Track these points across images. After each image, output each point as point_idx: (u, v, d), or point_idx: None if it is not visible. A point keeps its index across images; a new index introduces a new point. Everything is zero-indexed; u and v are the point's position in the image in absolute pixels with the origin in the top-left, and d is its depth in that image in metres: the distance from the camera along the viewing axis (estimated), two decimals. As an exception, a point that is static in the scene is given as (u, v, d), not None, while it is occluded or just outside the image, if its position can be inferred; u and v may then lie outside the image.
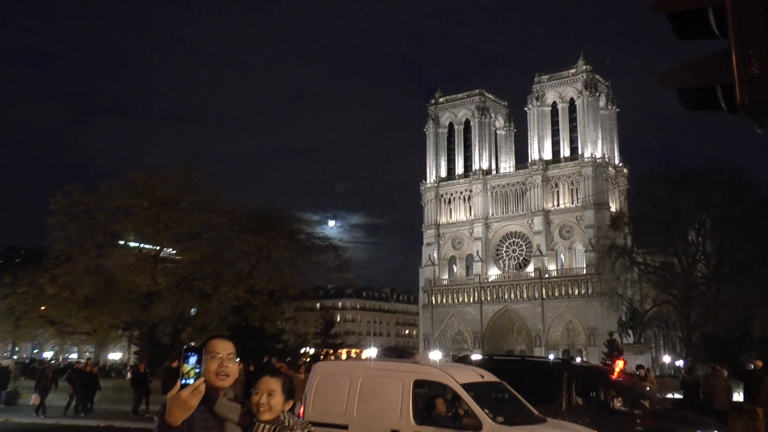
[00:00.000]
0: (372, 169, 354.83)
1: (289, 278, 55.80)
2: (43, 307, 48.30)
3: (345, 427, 14.40)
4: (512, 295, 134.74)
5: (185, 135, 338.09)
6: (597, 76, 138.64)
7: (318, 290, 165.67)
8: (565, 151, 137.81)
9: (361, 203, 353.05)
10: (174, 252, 54.38)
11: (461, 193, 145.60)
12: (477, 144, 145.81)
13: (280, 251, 53.62)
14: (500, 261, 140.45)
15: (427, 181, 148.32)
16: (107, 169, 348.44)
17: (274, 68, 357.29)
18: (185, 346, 4.69)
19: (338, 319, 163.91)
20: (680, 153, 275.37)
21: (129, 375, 47.17)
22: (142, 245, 51.55)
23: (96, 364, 46.10)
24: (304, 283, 62.66)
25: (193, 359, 4.54)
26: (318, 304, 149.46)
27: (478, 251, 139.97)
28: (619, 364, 25.04)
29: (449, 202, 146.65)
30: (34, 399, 35.95)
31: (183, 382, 4.45)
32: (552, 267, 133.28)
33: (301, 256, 56.70)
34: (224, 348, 5.01)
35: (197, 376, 4.49)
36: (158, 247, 51.60)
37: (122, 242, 51.73)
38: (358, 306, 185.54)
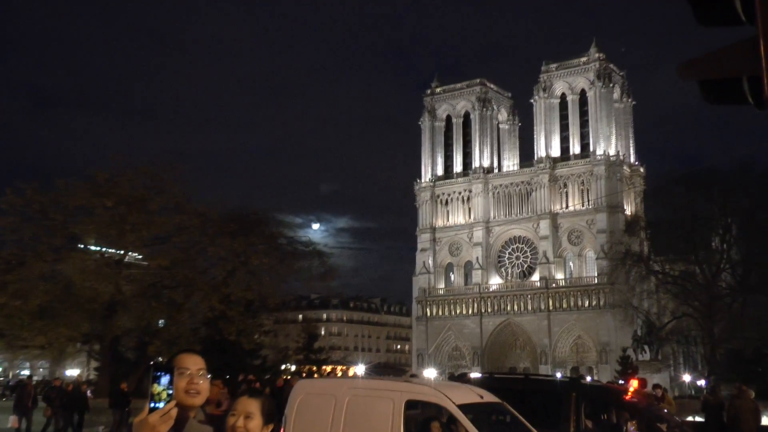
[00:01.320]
0: (360, 167, 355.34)
1: (268, 287, 55.81)
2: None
3: (329, 452, 14.35)
4: (515, 307, 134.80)
5: (154, 130, 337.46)
6: (611, 65, 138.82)
7: (300, 300, 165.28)
8: (575, 148, 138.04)
9: (348, 205, 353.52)
10: (140, 257, 54.27)
11: (459, 193, 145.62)
12: (477, 139, 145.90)
13: (258, 257, 53.58)
14: (502, 269, 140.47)
15: (422, 180, 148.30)
16: (67, 166, 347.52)
17: (252, 59, 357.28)
18: (153, 364, 4.64)
19: (322, 333, 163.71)
20: (702, 151, 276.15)
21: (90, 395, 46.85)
22: (104, 249, 51.41)
23: (87, 382, 44.99)
24: (285, 292, 62.78)
25: (165, 380, 4.43)
26: (300, 316, 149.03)
27: (477, 258, 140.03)
28: (634, 384, 25.06)
29: (446, 203, 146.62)
30: (12, 422, 33.70)
31: (152, 405, 4.30)
32: (560, 276, 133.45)
33: (281, 262, 56.72)
34: (194, 363, 4.98)
35: (169, 399, 4.35)
36: (123, 252, 51.49)
37: (82, 246, 51.54)
38: (344, 318, 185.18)
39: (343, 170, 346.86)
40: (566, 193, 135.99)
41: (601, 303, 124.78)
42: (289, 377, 54.93)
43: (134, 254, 53.39)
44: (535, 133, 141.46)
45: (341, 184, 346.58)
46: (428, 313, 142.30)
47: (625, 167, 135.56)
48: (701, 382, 79.24)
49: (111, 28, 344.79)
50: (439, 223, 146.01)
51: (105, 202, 47.95)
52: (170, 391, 4.39)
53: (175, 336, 50.82)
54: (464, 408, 14.28)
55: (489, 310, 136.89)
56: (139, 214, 49.02)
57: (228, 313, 51.34)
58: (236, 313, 51.69)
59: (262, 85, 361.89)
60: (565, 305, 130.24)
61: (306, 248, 59.04)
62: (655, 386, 35.38)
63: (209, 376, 5.07)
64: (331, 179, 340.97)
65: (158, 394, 4.34)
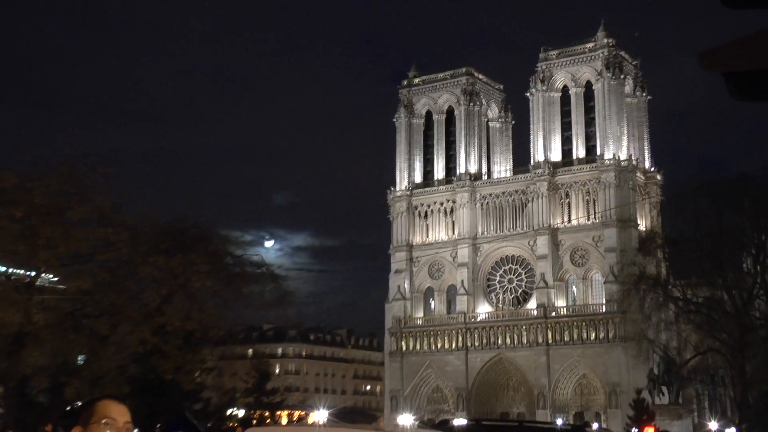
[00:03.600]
0: (322, 173, 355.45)
1: (211, 315, 55.17)
2: None
3: None
4: (508, 340, 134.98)
5: (73, 127, 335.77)
6: (622, 53, 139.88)
7: (251, 332, 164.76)
8: (578, 151, 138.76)
9: (307, 219, 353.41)
10: (56, 279, 53.52)
11: (441, 204, 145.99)
12: (463, 140, 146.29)
13: (200, 279, 53.00)
14: (492, 294, 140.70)
15: (397, 189, 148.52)
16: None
17: (193, 43, 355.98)
18: (69, 408, 4.18)
19: (277, 371, 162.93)
20: (730, 155, 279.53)
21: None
22: (11, 270, 50.55)
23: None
24: (232, 322, 62.21)
25: None
26: (250, 351, 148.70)
27: (463, 281, 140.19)
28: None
29: (425, 216, 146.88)
30: None
31: None
32: (561, 303, 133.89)
33: (228, 286, 56.19)
34: (120, 413, 4.99)
35: None
36: (34, 273, 50.59)
37: (-18, 266, 50.74)
38: (303, 353, 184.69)
39: (301, 177, 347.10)
40: (568, 204, 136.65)
41: (611, 335, 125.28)
42: (236, 425, 54.39)
43: (48, 276, 52.54)
44: (531, 132, 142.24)
45: (299, 193, 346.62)
46: (404, 348, 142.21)
47: (638, 174, 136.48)
48: (731, 431, 79.18)
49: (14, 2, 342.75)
50: (417, 239, 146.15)
51: (12, 212, 47.08)
52: None
53: (98, 375, 50.05)
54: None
55: (476, 344, 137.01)
56: (54, 226, 48.15)
57: (163, 347, 50.71)
58: (173, 346, 51.04)
59: (204, 76, 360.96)
60: (567, 338, 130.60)
61: (257, 269, 58.45)
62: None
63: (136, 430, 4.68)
64: (287, 188, 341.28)
65: None
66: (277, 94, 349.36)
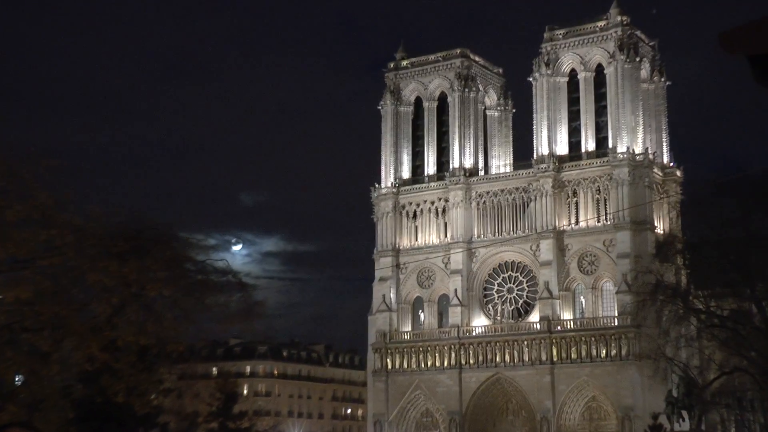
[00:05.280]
0: (296, 169, 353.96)
1: (170, 329, 54.76)
2: None
3: None
4: (507, 357, 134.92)
5: (15, 117, 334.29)
6: (637, 33, 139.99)
7: (215, 348, 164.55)
8: (588, 144, 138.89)
9: (278, 221, 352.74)
10: (-9, 288, 52.92)
11: (433, 203, 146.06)
12: (457, 130, 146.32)
13: (157, 288, 52.55)
14: (490, 306, 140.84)
15: (382, 186, 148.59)
16: None
17: (147, 29, 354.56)
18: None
19: (245, 392, 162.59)
20: (757, 149, 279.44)
21: None
22: (-63, 277, 50.04)
23: None
24: (193, 336, 61.61)
25: None
26: (215, 369, 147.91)
27: (456, 291, 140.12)
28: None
29: (414, 216, 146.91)
30: None
31: None
32: (567, 315, 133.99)
33: (189, 295, 55.73)
34: None
35: None
36: (-35, 280, 50.12)
37: None
38: (275, 372, 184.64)
39: (272, 175, 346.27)
40: (576, 203, 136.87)
41: (623, 353, 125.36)
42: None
43: (-18, 284, 51.99)
44: (534, 122, 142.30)
45: (269, 193, 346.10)
46: (389, 366, 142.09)
47: (655, 169, 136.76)
48: (760, 460, 79.20)
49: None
50: (405, 243, 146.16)
51: (-60, 211, 46.58)
52: None
53: (38, 398, 49.62)
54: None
55: (471, 362, 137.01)
56: (-12, 227, 47.71)
57: (113, 366, 50.26)
58: (125, 365, 50.55)
59: (163, 62, 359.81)
60: (574, 355, 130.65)
61: (223, 277, 57.88)
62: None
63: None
64: (257, 187, 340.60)
65: None
66: (244, 83, 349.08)
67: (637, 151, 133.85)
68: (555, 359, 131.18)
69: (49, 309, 50.05)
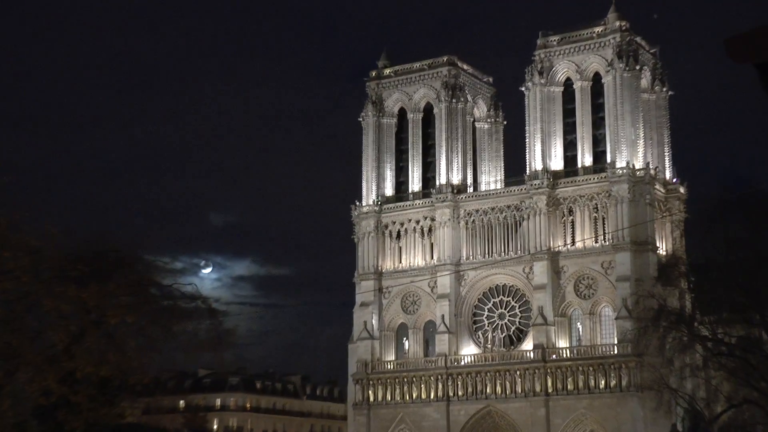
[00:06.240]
0: (269, 187, 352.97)
1: (133, 359, 54.68)
2: None
3: None
4: (499, 389, 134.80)
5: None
6: (637, 39, 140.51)
7: (183, 379, 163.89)
8: (584, 158, 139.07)
9: (250, 243, 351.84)
10: (-63, 315, 52.60)
11: (418, 222, 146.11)
12: (444, 143, 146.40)
13: (119, 314, 52.46)
14: (479, 333, 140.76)
15: (363, 204, 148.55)
16: None
17: (103, 33, 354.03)
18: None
19: (215, 427, 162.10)
20: (767, 165, 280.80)
21: None
22: None
23: None
24: (159, 366, 61.46)
25: None
26: (182, 402, 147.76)
27: (443, 317, 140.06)
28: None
29: (398, 236, 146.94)
30: None
31: None
32: (563, 343, 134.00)
33: (154, 323, 55.81)
34: None
35: None
36: None
37: None
38: (247, 405, 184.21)
39: (243, 193, 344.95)
40: (572, 222, 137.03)
41: (624, 383, 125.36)
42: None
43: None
44: (527, 135, 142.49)
45: (241, 213, 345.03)
46: (371, 398, 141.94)
47: (657, 186, 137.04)
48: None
49: None
50: (388, 265, 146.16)
51: None
52: None
53: (-11, 434, 49.32)
54: None
55: (460, 393, 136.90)
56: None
57: (72, 399, 50.22)
58: (84, 398, 50.38)
59: (125, 70, 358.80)
60: (570, 386, 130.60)
61: (191, 303, 57.89)
62: None
63: None
64: (227, 205, 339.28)
65: None
66: (213, 92, 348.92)
67: (637, 166, 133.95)
68: (550, 390, 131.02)
69: (2, 338, 49.76)
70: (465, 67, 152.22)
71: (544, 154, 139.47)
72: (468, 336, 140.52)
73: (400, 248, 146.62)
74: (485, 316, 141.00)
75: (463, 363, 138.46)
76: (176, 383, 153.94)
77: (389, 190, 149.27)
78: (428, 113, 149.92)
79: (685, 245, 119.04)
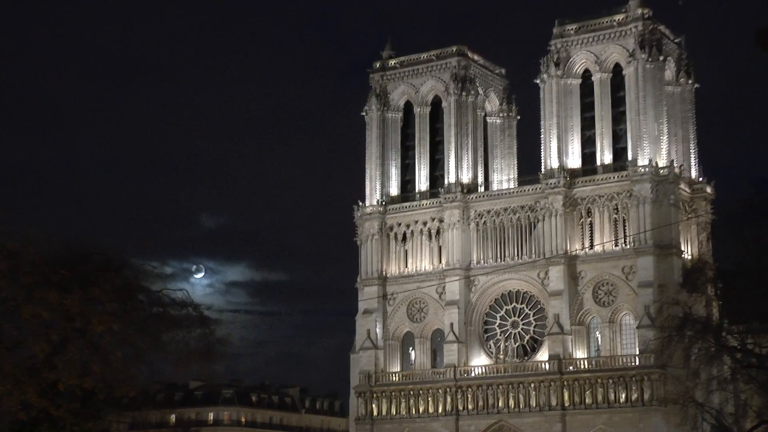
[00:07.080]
0: (266, 187, 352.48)
1: (119, 370, 54.35)
2: None
3: None
4: (512, 402, 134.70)
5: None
6: (661, 28, 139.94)
7: (173, 392, 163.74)
8: (604, 156, 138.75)
9: (245, 246, 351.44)
10: None
11: (425, 223, 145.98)
12: (453, 140, 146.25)
13: (104, 322, 52.14)
14: (491, 342, 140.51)
15: (367, 204, 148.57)
16: None
17: (87, 28, 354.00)
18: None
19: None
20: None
21: None
22: None
23: None
24: (147, 378, 61.08)
25: None
26: (173, 417, 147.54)
27: (452, 325, 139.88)
28: None
29: (404, 239, 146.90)
30: None
31: None
32: (581, 354, 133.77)
33: (142, 331, 55.48)
34: None
35: None
36: None
37: None
38: (242, 419, 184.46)
39: (237, 195, 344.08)
40: (590, 224, 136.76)
41: (646, 397, 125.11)
42: None
43: None
44: (542, 131, 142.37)
45: (235, 213, 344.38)
46: (374, 412, 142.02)
47: (682, 185, 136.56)
48: None
49: None
50: (393, 270, 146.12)
51: None
52: None
53: (-35, 453, 49.10)
54: None
55: (470, 407, 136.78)
56: None
57: (53, 413, 50.15)
58: (67, 412, 50.20)
59: (110, 63, 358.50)
60: (589, 400, 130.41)
61: (181, 310, 57.54)
62: None
63: None
64: (220, 206, 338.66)
65: None
66: (206, 88, 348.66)
67: (660, 164, 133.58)
68: (567, 404, 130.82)
69: (-23, 348, 49.49)
70: (476, 57, 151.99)
71: (561, 151, 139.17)
72: (479, 346, 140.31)
73: (405, 252, 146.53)
74: (497, 324, 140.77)
75: (473, 375, 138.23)
76: (166, 396, 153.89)
77: (394, 190, 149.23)
78: (436, 107, 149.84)
79: (712, 249, 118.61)
